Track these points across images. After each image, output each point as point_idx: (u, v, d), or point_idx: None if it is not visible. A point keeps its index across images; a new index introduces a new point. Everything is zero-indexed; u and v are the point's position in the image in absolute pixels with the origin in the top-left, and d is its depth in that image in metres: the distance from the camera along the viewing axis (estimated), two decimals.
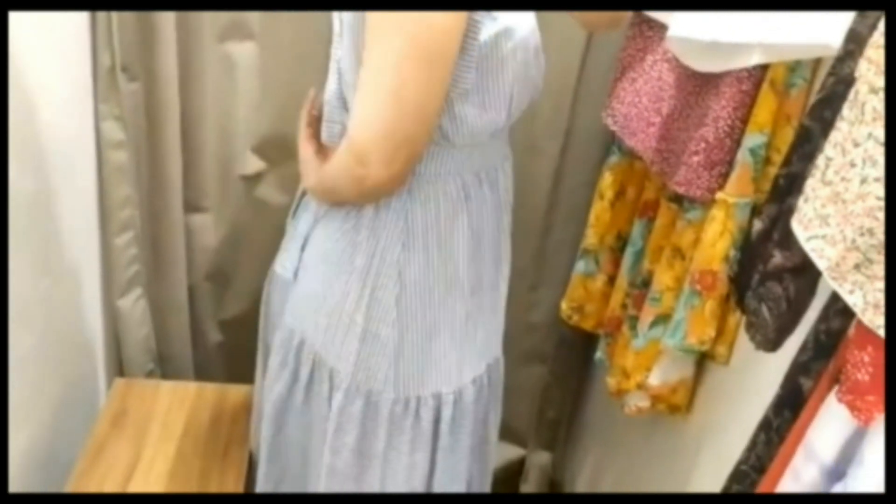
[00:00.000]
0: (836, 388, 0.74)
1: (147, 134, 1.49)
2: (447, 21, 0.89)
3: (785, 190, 0.90)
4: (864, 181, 0.66)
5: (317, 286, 1.14)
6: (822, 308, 0.82)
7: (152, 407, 1.54)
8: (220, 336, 1.77)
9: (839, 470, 0.73)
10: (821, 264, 0.71)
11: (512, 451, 1.94)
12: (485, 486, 1.34)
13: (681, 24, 1.09)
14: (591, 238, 1.49)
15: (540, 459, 1.97)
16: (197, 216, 1.63)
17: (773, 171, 1.04)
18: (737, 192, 1.10)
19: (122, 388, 1.58)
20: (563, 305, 1.58)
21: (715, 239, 1.11)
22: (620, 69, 1.35)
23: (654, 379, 1.27)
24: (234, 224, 1.65)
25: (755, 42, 1.00)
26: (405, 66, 0.90)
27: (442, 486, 1.22)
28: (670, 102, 1.22)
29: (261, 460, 1.31)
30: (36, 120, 1.22)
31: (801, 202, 0.75)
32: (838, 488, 0.73)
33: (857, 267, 0.67)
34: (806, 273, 0.84)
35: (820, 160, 0.72)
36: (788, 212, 0.81)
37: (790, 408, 0.84)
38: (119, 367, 1.68)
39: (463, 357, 1.18)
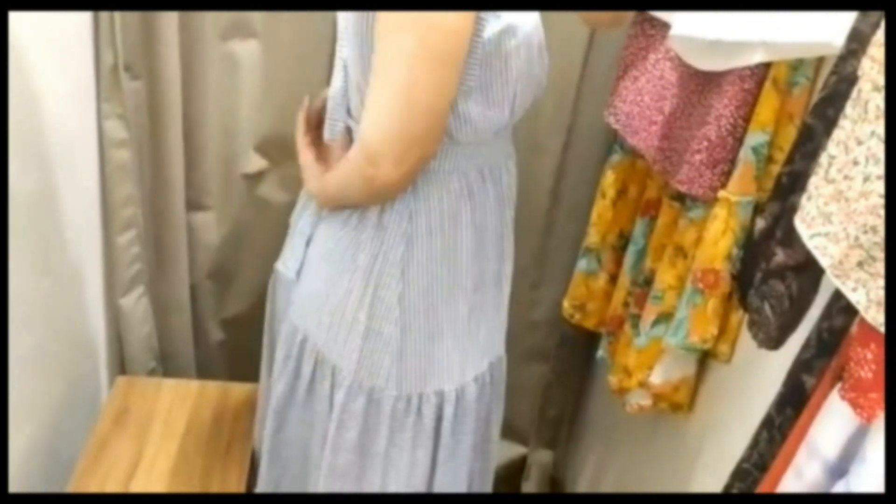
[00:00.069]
0: (838, 385, 0.74)
1: (149, 133, 1.49)
2: (457, 21, 0.90)
3: (787, 188, 0.90)
4: (867, 179, 0.66)
5: (320, 284, 1.15)
6: (825, 306, 0.82)
7: (154, 405, 1.54)
8: (222, 334, 1.77)
9: (842, 467, 0.73)
10: (824, 262, 0.71)
11: (513, 450, 1.94)
12: (486, 485, 1.35)
13: (683, 23, 1.09)
14: (593, 236, 1.49)
15: (541, 458, 1.97)
16: (199, 215, 1.63)
17: (775, 169, 1.05)
18: (739, 190, 1.10)
19: (124, 386, 1.58)
20: (565, 304, 1.58)
21: (717, 237, 1.11)
22: (623, 67, 1.35)
23: (656, 377, 1.27)
24: (237, 223, 1.65)
25: (757, 41, 1.00)
26: (415, 66, 0.90)
27: (443, 483, 1.22)
28: (673, 101, 1.22)
29: (262, 458, 1.31)
30: (38, 118, 1.22)
31: (804, 200, 0.75)
32: (841, 486, 0.73)
33: (860, 264, 0.67)
34: (808, 271, 0.84)
35: (823, 158, 0.72)
36: (791, 210, 0.81)
37: (793, 405, 0.84)
38: (121, 365, 1.68)
39: (465, 355, 1.18)
